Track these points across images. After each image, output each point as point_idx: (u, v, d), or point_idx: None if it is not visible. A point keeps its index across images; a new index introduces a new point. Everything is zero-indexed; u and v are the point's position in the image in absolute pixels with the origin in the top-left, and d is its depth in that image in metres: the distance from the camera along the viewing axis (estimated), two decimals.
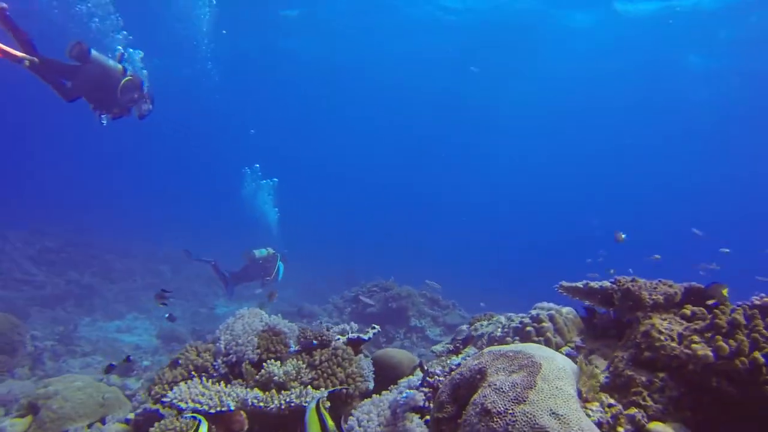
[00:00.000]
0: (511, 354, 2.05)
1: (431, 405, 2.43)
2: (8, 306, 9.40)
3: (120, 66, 4.86)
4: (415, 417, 2.35)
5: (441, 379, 2.54)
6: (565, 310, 3.37)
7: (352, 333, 3.24)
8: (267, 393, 2.43)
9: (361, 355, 3.22)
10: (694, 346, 1.78)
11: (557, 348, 2.99)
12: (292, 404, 2.35)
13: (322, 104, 27.56)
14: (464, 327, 4.89)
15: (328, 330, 3.34)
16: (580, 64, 18.91)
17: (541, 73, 20.37)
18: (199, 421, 1.98)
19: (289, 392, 2.43)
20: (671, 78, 18.74)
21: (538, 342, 3.08)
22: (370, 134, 32.77)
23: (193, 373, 2.82)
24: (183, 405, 2.23)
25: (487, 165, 36.06)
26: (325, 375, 2.72)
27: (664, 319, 2.29)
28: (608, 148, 27.73)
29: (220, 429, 2.43)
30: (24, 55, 4.06)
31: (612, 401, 1.84)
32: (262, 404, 2.31)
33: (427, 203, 38.50)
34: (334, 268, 18.10)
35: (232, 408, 2.27)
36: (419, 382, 2.61)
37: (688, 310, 2.32)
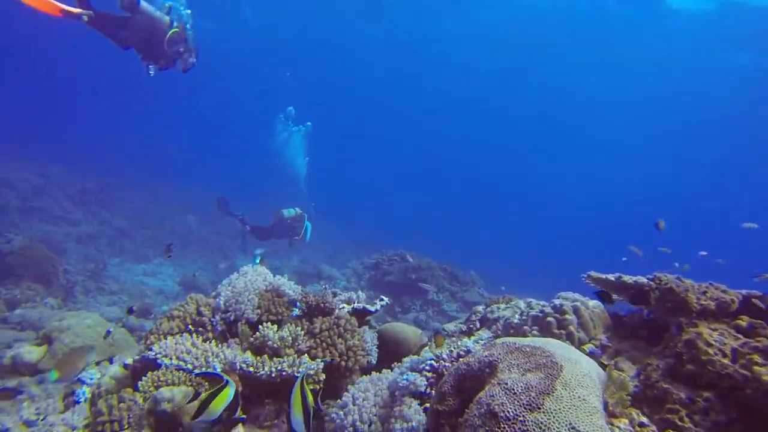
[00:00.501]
0: (527, 349, 1.79)
1: (432, 392, 2.23)
2: (46, 240, 9.81)
3: (167, 18, 4.94)
4: (414, 403, 2.16)
5: (447, 365, 2.32)
6: (591, 303, 3.05)
7: (358, 303, 3.05)
8: (258, 358, 2.28)
9: (366, 328, 3.04)
10: (756, 368, 1.47)
11: (580, 345, 2.70)
12: (284, 373, 2.20)
13: (368, 52, 26.01)
14: (480, 308, 4.65)
15: (333, 297, 3.17)
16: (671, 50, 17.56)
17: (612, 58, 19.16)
18: (226, 381, 1.84)
19: (281, 360, 2.27)
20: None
21: (559, 336, 2.80)
22: (417, 95, 31.32)
23: (189, 326, 2.71)
24: (167, 361, 2.12)
25: (544, 149, 34.34)
26: (324, 345, 2.55)
27: (714, 330, 1.96)
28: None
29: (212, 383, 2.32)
30: (81, 11, 4.29)
31: (644, 419, 1.56)
32: (251, 369, 2.16)
33: (472, 178, 37.17)
34: (360, 232, 18.05)
35: (218, 370, 2.14)
36: (421, 363, 2.40)
37: (743, 321, 1.97)
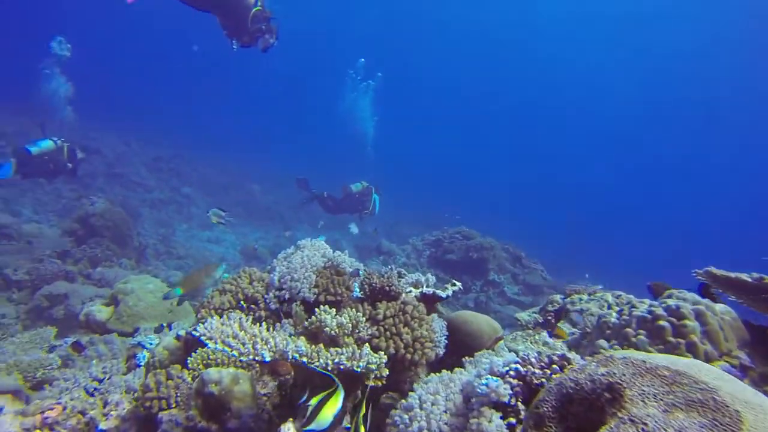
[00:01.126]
0: (665, 372, 1.32)
1: (518, 404, 1.83)
2: (125, 204, 10.42)
3: None
4: (496, 416, 1.77)
5: (536, 371, 1.90)
6: (719, 307, 2.45)
7: (427, 287, 2.69)
8: (314, 347, 1.99)
9: (435, 315, 2.67)
10: None
11: (708, 360, 2.15)
12: (342, 366, 1.89)
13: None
14: (558, 297, 4.11)
15: (399, 278, 2.82)
16: None
17: None
18: (337, 385, 1.56)
19: (339, 350, 1.97)
20: None
21: (676, 346, 2.26)
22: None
23: (242, 302, 2.50)
24: (211, 344, 1.89)
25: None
26: (387, 334, 2.22)
27: None
28: None
29: (264, 368, 2.09)
30: None
31: None
32: (305, 359, 1.88)
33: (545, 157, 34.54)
34: (424, 205, 17.58)
35: (267, 359, 1.88)
36: (504, 366, 1.99)
37: None
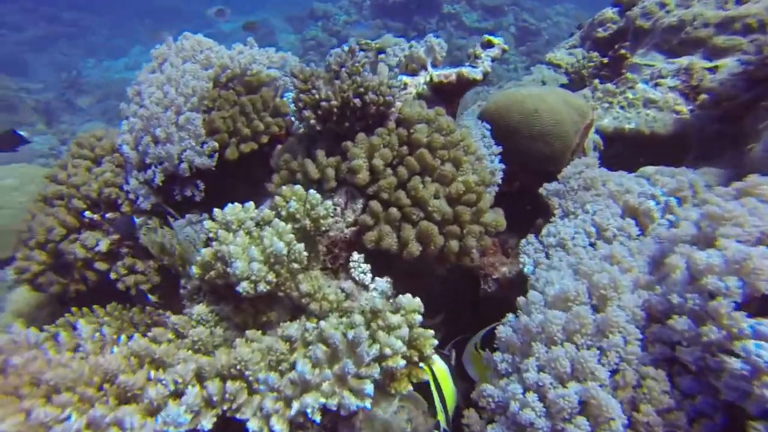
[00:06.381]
0: None
1: None
2: None
3: None
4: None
5: None
6: None
7: (435, 67, 1.29)
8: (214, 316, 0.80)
9: (465, 114, 1.37)
10: None
11: None
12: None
13: None
14: (610, 12, 2.64)
15: (371, 58, 1.39)
16: None
17: None
18: None
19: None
20: None
21: None
22: None
23: (86, 214, 1.21)
24: None
25: None
26: (391, 217, 1.00)
27: None
28: None
29: None
30: None
31: None
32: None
33: None
34: None
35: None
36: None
37: None
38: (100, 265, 1.20)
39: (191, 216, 1.21)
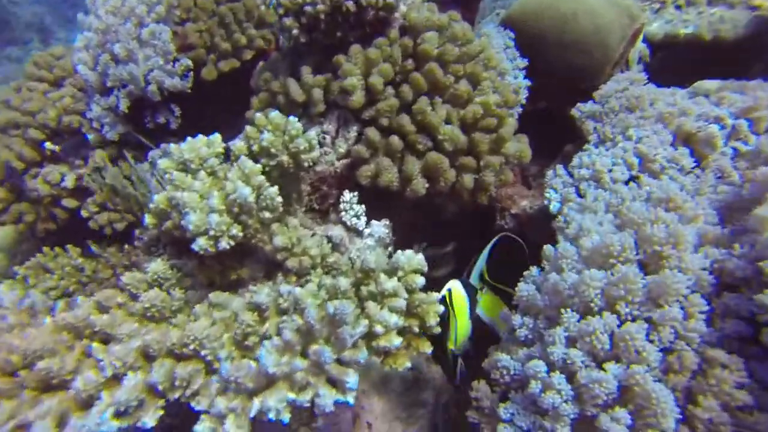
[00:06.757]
0: None
1: None
2: None
3: None
4: None
5: None
6: None
7: None
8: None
9: (482, 19, 1.13)
10: None
11: None
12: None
13: None
14: None
15: None
16: None
17: None
18: None
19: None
20: None
21: None
22: None
23: (47, 146, 1.07)
24: None
25: None
26: (393, 147, 0.82)
27: None
28: None
29: None
30: None
31: None
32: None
33: None
34: None
35: None
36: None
37: None
38: (69, 202, 1.08)
39: (167, 146, 1.06)
